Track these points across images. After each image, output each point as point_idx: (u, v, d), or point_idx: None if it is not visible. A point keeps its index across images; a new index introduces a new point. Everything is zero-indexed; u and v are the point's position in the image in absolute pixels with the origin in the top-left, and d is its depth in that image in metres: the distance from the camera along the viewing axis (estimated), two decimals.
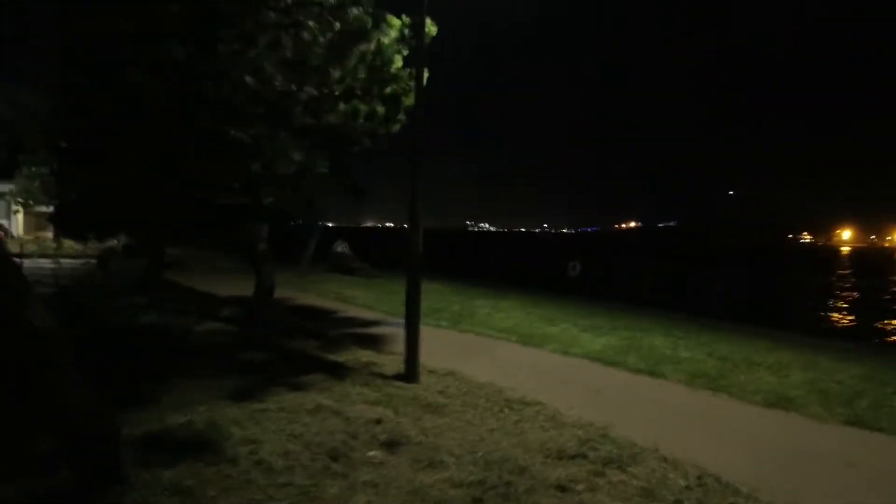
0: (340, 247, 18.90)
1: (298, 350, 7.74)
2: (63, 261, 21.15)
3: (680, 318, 11.90)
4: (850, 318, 21.24)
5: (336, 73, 6.13)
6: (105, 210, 9.33)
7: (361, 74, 7.00)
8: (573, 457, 4.33)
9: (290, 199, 8.70)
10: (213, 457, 4.05)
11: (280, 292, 14.13)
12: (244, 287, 11.09)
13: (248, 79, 5.36)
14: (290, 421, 4.76)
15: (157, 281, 14.33)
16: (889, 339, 16.03)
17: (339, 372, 6.56)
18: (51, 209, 21.38)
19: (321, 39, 5.70)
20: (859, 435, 5.31)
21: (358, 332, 9.41)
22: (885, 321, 19.36)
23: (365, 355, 7.55)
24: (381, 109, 6.76)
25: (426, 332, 9.54)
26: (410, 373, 6.56)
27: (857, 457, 4.75)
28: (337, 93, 6.72)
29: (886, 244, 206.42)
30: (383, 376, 6.55)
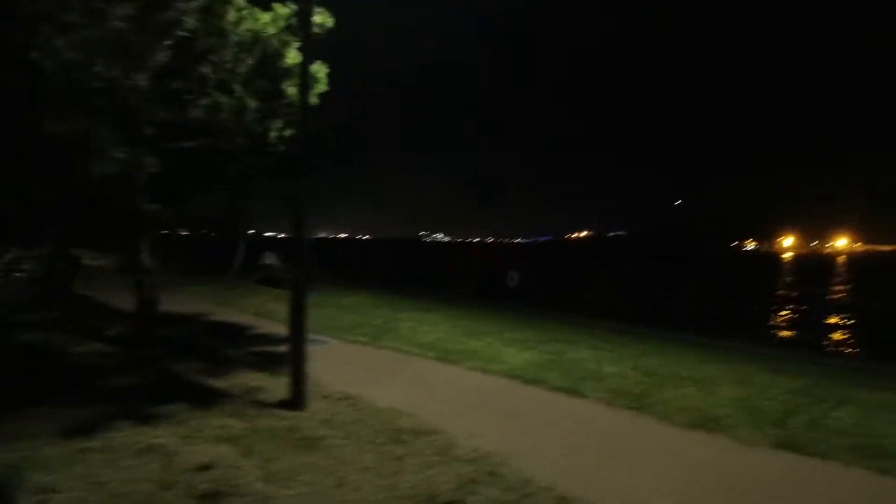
0: (269, 258, 17.89)
1: (180, 374, 6.81)
2: None
3: (611, 327, 11.38)
4: (791, 322, 21.31)
5: (161, 57, 5.28)
6: None
7: (241, 69, 6.24)
8: None
9: (184, 206, 7.85)
10: None
11: (199, 307, 13.19)
12: (168, 302, 10.11)
13: (49, 63, 4.49)
14: (106, 464, 3.88)
15: (63, 294, 13.12)
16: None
17: (211, 400, 5.68)
18: None
19: (118, 13, 4.84)
20: (792, 460, 4.69)
21: (264, 350, 8.52)
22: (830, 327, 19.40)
23: (255, 379, 6.69)
24: (251, 104, 5.94)
25: (340, 349, 8.80)
26: (296, 399, 5.72)
27: (787, 489, 4.15)
28: (210, 85, 5.93)
29: (827, 250, 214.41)
30: (264, 404, 5.70)
